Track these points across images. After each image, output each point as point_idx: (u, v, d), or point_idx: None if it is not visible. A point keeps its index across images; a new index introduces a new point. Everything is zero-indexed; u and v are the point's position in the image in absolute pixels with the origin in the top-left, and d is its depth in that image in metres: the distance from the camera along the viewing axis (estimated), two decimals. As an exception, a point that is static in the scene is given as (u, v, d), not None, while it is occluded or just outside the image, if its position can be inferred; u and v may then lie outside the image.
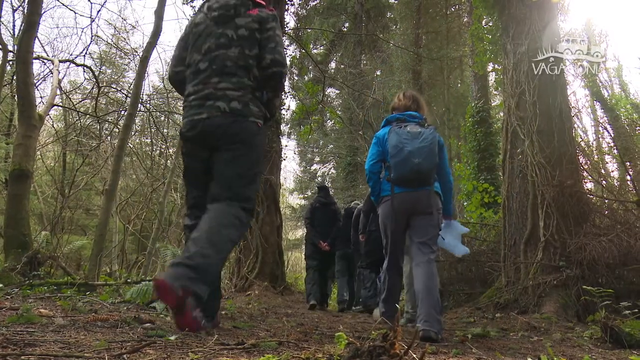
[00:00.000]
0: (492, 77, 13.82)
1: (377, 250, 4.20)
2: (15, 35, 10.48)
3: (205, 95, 2.34)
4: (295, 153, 24.18)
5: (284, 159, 9.26)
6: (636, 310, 3.50)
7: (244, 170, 2.33)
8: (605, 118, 16.65)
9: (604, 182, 6.26)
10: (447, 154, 3.51)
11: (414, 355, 1.17)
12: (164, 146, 14.40)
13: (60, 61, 9.78)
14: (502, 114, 7.84)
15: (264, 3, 2.58)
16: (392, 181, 3.21)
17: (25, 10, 6.90)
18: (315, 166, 24.49)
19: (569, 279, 4.61)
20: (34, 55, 7.25)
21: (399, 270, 3.42)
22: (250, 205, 2.38)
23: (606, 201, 5.77)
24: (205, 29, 2.46)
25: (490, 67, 9.78)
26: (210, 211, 2.24)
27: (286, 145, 24.94)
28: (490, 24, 8.02)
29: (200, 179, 2.42)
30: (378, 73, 20.16)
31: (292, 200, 26.53)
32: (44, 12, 9.77)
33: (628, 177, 6.12)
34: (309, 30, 17.80)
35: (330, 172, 23.57)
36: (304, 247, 7.74)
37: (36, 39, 6.71)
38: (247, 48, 2.40)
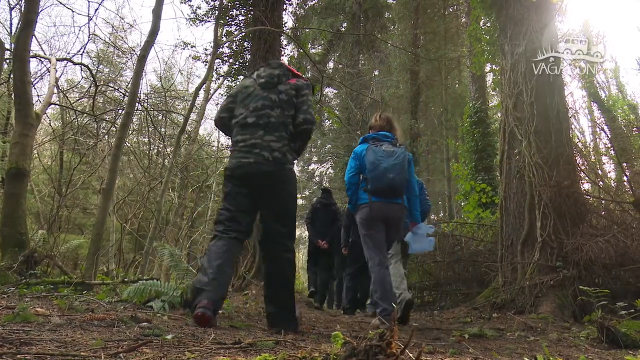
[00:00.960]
0: (489, 78, 13.86)
1: (360, 257, 4.59)
2: (12, 33, 10.43)
3: (253, 144, 2.91)
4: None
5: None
6: (632, 310, 3.51)
7: (286, 206, 2.97)
8: (602, 119, 16.71)
9: (600, 182, 6.27)
10: (413, 167, 4.20)
11: (411, 355, 1.17)
12: (161, 145, 14.36)
13: (58, 59, 9.73)
14: (499, 114, 7.86)
15: (300, 74, 3.21)
16: (370, 192, 3.83)
17: (22, 8, 6.88)
18: (312, 166, 24.48)
19: (566, 279, 4.62)
20: (31, 54, 7.22)
21: (384, 265, 3.82)
22: (293, 234, 3.02)
23: (603, 202, 5.78)
24: (253, 91, 3.05)
25: (487, 67, 9.81)
26: (271, 251, 2.91)
27: (284, 145, 24.82)
28: (488, 25, 8.04)
29: (238, 201, 2.96)
30: (376, 73, 20.17)
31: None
32: (41, 10, 9.75)
33: (625, 178, 6.14)
34: (307, 30, 17.78)
35: (327, 172, 23.57)
36: (301, 247, 7.84)
37: (33, 37, 6.67)
38: (286, 109, 3.00)
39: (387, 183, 3.72)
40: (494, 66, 9.09)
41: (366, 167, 3.83)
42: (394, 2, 19.82)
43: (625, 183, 6.22)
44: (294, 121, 3.00)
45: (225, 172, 3.06)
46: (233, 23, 10.45)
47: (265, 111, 2.96)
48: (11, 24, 11.03)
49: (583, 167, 6.00)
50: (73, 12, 17.32)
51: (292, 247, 2.96)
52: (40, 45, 14.30)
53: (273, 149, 2.89)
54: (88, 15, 9.67)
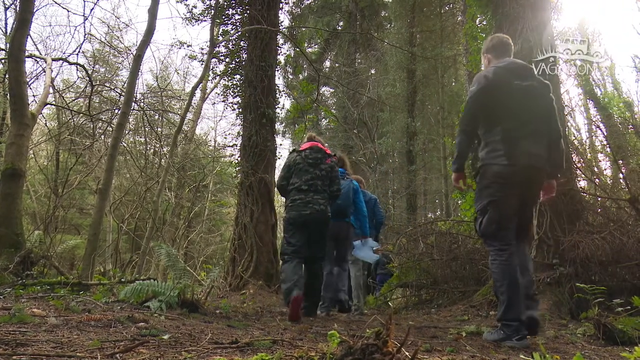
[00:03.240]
0: (486, 76, 13.83)
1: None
2: (7, 33, 10.39)
3: (307, 201, 4.37)
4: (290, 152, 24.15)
5: (279, 158, 9.25)
6: (629, 307, 3.52)
7: (323, 238, 4.55)
8: (598, 116, 16.73)
9: (597, 180, 6.28)
10: (361, 194, 5.54)
11: (407, 353, 1.17)
12: (158, 145, 14.33)
13: (53, 59, 9.70)
14: (496, 112, 7.87)
15: (332, 154, 4.74)
16: None
17: (18, 8, 6.85)
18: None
19: (563, 276, 4.63)
20: (27, 54, 7.19)
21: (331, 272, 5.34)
22: (324, 255, 4.67)
23: (599, 199, 5.80)
24: (303, 167, 4.49)
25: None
26: (311, 267, 4.46)
27: (281, 144, 24.77)
28: (484, 23, 8.03)
29: (298, 238, 4.39)
30: (372, 72, 20.17)
31: (287, 199, 26.47)
32: (37, 10, 9.70)
33: (621, 175, 6.16)
34: (304, 29, 17.77)
35: (325, 171, 23.54)
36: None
37: (28, 37, 6.65)
38: (325, 181, 4.51)
39: (335, 208, 4.87)
40: (490, 64, 9.10)
41: None
42: (390, 0, 19.82)
43: (621, 180, 6.24)
44: (330, 188, 4.54)
45: (288, 219, 4.46)
46: (229, 22, 10.42)
47: (313, 181, 4.45)
48: (6, 23, 11.00)
49: (579, 165, 6.01)
50: (68, 11, 17.28)
51: (324, 257, 4.66)
52: (35, 45, 14.20)
53: (320, 204, 4.39)
54: (84, 15, 9.68)
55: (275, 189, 5.06)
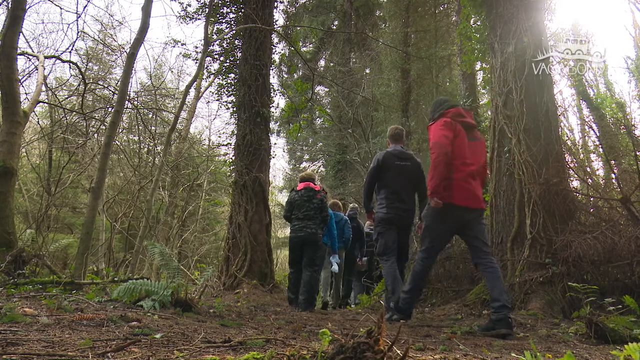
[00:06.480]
0: (480, 76, 13.91)
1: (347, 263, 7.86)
2: None
3: (303, 226, 5.74)
4: (284, 151, 24.07)
5: (273, 157, 9.21)
6: (620, 306, 3.54)
7: (316, 255, 5.80)
8: (591, 117, 16.84)
9: (589, 180, 6.32)
10: (334, 219, 6.76)
11: (398, 352, 1.17)
12: (151, 144, 14.26)
13: (46, 57, 9.61)
14: (489, 112, 7.90)
15: (319, 190, 6.03)
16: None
17: (9, 5, 6.78)
18: (304, 164, 24.39)
19: (555, 275, 4.66)
20: (19, 51, 7.14)
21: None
22: (318, 267, 5.92)
23: (591, 199, 5.83)
24: (300, 202, 5.86)
25: (478, 66, 9.83)
26: (305, 275, 5.67)
27: (275, 143, 24.65)
28: (478, 23, 8.06)
29: (298, 254, 5.85)
30: (367, 71, 20.17)
31: (281, 198, 26.50)
32: (29, 7, 9.61)
33: (613, 175, 6.20)
34: (298, 28, 17.75)
35: (319, 170, 23.56)
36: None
37: (21, 34, 6.60)
38: (318, 211, 5.83)
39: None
40: (484, 64, 9.12)
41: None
42: (385, 0, 19.83)
43: (613, 180, 6.27)
44: (321, 215, 5.83)
45: (289, 238, 5.94)
46: (224, 21, 10.39)
47: (308, 212, 5.80)
48: (-2, 20, 10.86)
49: (572, 165, 6.05)
50: (61, 9, 17.05)
51: (318, 268, 5.89)
52: (28, 42, 14.07)
53: (312, 228, 5.74)
54: (77, 13, 9.60)
55: (282, 213, 6.10)
